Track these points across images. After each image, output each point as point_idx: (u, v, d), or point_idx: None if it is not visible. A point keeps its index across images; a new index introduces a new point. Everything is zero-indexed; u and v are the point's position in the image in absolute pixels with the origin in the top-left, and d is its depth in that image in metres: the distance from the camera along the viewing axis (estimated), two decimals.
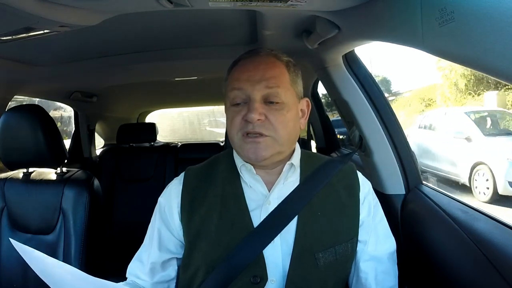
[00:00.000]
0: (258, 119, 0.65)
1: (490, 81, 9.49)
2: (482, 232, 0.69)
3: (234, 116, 0.68)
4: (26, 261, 0.55)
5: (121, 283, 0.73)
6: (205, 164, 0.80)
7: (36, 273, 0.55)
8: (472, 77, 9.82)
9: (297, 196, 0.70)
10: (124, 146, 2.32)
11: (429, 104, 11.54)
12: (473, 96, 9.92)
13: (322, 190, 0.71)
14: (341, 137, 2.29)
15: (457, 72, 10.04)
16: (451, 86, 10.40)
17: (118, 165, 2.21)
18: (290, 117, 0.68)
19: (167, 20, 1.03)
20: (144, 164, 2.21)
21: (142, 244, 0.77)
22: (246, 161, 0.70)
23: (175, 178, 0.78)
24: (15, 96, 1.53)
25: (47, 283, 0.55)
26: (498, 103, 8.85)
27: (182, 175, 0.77)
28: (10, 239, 0.60)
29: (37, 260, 0.56)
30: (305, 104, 0.74)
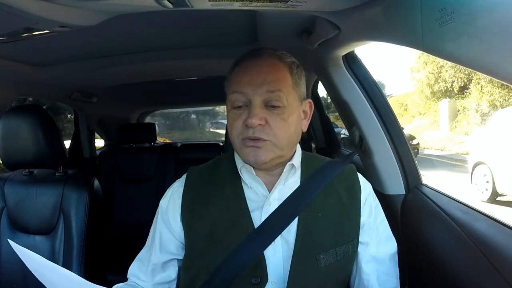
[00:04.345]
0: (259, 124, 0.64)
1: (455, 90, 11.12)
2: (482, 232, 0.69)
3: (235, 120, 0.67)
4: (24, 261, 0.55)
5: (121, 283, 0.73)
6: (208, 164, 0.79)
7: (33, 273, 0.55)
8: (438, 86, 11.65)
9: (298, 197, 0.70)
10: (124, 146, 2.32)
11: (405, 109, 13.85)
12: (435, 102, 11.82)
13: (323, 191, 0.71)
14: None
15: (423, 83, 12.16)
16: (420, 94, 12.65)
17: (118, 165, 2.21)
18: (291, 121, 0.67)
19: (167, 20, 1.02)
20: (144, 164, 2.21)
21: (144, 246, 0.78)
22: (246, 163, 0.70)
23: (176, 180, 0.78)
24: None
25: (44, 285, 0.55)
26: (449, 109, 10.65)
27: (184, 176, 0.77)
28: (9, 240, 0.59)
29: (35, 261, 0.56)
30: (307, 106, 0.73)
